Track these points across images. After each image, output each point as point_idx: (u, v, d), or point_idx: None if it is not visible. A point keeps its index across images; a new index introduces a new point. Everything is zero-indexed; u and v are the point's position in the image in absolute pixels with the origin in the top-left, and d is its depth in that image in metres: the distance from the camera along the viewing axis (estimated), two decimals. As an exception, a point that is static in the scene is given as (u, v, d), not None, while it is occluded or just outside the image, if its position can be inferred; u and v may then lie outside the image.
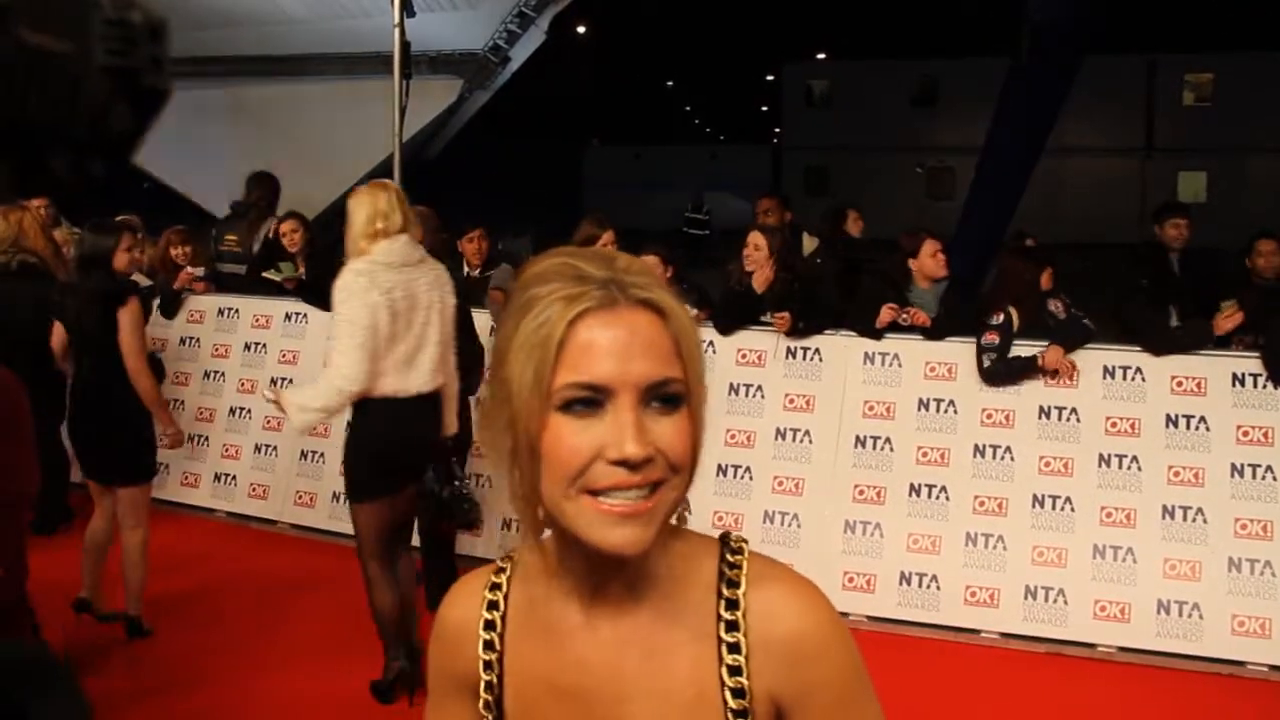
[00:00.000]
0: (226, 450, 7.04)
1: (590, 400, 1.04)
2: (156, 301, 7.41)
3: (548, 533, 1.14)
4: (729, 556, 1.17)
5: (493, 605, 1.22)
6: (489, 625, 1.21)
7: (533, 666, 1.18)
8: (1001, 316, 5.51)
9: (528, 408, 1.05)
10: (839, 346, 5.87)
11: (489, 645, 1.20)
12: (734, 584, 1.15)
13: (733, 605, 1.14)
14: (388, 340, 4.28)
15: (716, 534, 1.21)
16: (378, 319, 4.23)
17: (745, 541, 1.20)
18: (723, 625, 1.13)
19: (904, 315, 5.75)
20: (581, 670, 1.15)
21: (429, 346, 4.43)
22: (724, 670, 1.12)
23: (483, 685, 1.21)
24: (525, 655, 1.19)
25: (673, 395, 1.06)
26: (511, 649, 1.20)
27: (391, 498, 4.49)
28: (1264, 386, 5.25)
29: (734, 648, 1.12)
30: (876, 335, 5.79)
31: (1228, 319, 5.45)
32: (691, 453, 1.08)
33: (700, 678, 1.13)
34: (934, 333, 5.72)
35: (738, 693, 1.12)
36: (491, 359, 1.12)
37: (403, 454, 4.47)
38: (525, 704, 1.19)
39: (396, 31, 7.63)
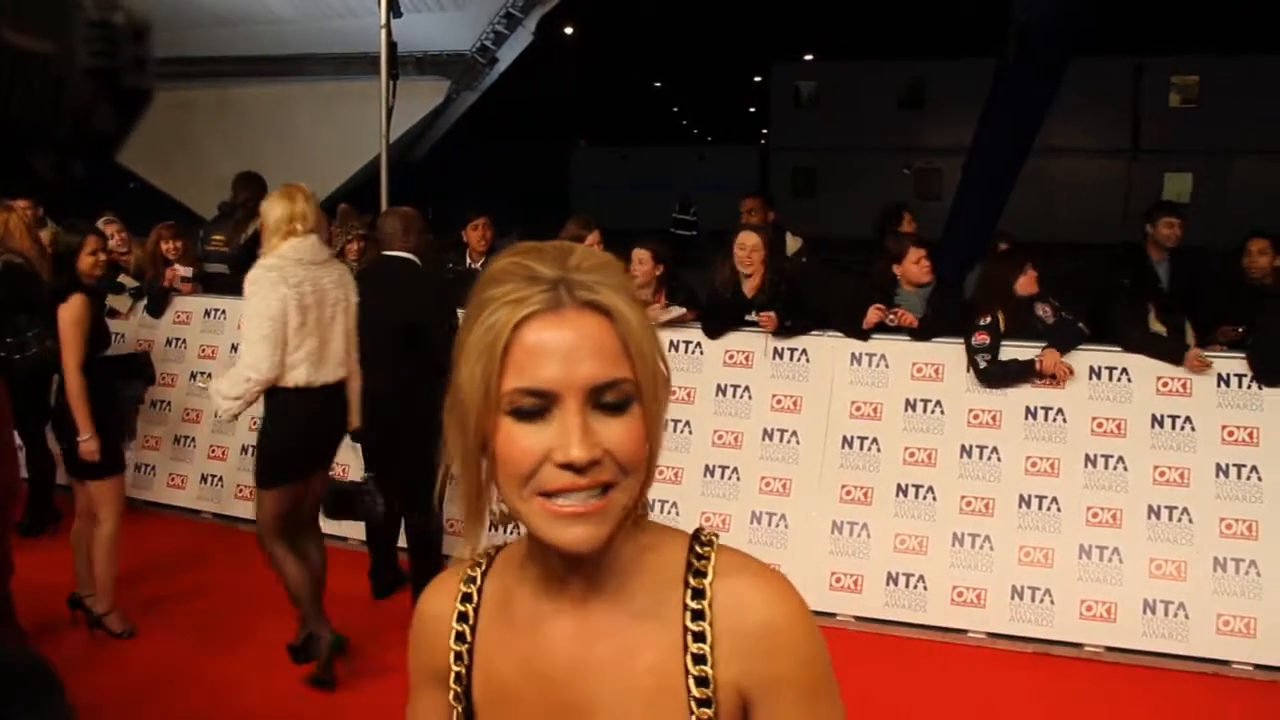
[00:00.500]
0: (213, 451, 7.02)
1: (536, 405, 1.05)
2: (143, 301, 7.40)
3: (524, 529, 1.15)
4: (697, 549, 1.18)
5: (466, 598, 1.23)
6: (461, 617, 1.22)
7: (502, 656, 1.19)
8: (989, 318, 5.53)
9: (478, 411, 1.06)
10: (826, 347, 5.88)
11: (460, 636, 1.22)
12: (700, 574, 1.15)
13: (699, 594, 1.14)
14: (296, 333, 4.48)
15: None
16: (286, 311, 4.42)
17: (716, 536, 1.20)
18: (688, 614, 1.14)
19: (891, 316, 5.77)
20: (548, 660, 1.16)
21: (335, 340, 4.67)
22: (688, 659, 1.13)
23: (452, 676, 1.22)
24: (495, 646, 1.20)
25: (621, 397, 1.06)
26: (482, 640, 1.21)
27: (298, 484, 4.69)
28: (1249, 387, 5.27)
29: (699, 636, 1.13)
30: (864, 336, 5.80)
31: (1200, 362, 5.39)
32: (644, 453, 1.08)
33: (664, 666, 1.13)
34: (921, 333, 5.73)
35: (701, 681, 1.12)
36: (454, 362, 1.13)
37: (312, 442, 4.71)
38: (493, 693, 1.20)
39: (383, 32, 7.62)
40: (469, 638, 1.22)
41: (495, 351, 1.05)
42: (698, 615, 1.13)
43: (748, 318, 5.93)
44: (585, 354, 1.04)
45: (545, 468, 1.05)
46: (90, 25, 1.06)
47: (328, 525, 6.43)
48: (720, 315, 6.01)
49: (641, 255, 6.24)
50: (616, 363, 1.05)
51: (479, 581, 1.24)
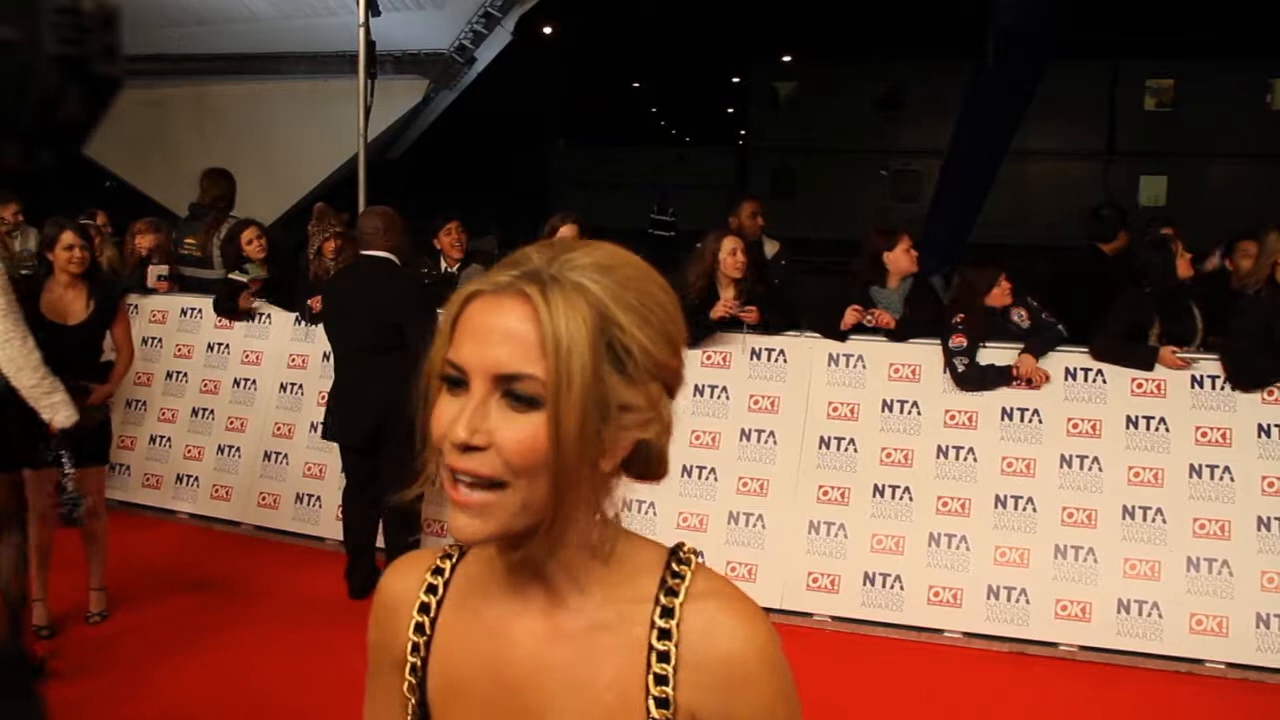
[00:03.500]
0: (189, 451, 6.97)
1: (456, 379, 1.05)
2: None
3: None
4: (674, 566, 1.15)
5: (431, 589, 1.21)
6: (423, 607, 1.20)
7: (462, 651, 1.17)
8: (966, 320, 5.55)
9: (429, 377, 1.08)
10: (803, 348, 5.89)
11: (419, 627, 1.19)
12: (673, 593, 1.13)
13: (668, 614, 1.11)
14: None
15: (677, 536, 1.20)
16: None
17: (696, 554, 1.18)
18: (654, 633, 1.11)
19: (869, 316, 5.78)
20: (509, 661, 1.14)
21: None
22: (650, 678, 1.10)
23: (408, 666, 1.20)
24: (455, 639, 1.18)
25: (527, 394, 1.02)
26: (442, 632, 1.19)
27: None
28: (1222, 388, 5.31)
29: (663, 657, 1.10)
30: (841, 337, 5.81)
31: (1175, 360, 5.41)
32: (539, 458, 1.02)
33: (625, 683, 1.11)
34: (898, 334, 5.75)
35: (661, 702, 1.10)
36: None
37: None
38: (449, 688, 1.18)
39: (361, 31, 7.59)
40: (428, 630, 1.19)
41: (447, 321, 1.07)
42: (664, 635, 1.11)
43: (733, 313, 5.88)
44: (498, 339, 1.02)
45: (446, 442, 1.04)
46: (58, 12, 1.05)
47: (304, 525, 6.47)
48: (696, 324, 5.92)
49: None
50: (530, 357, 1.02)
51: (447, 574, 1.22)
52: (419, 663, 1.19)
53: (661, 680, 1.10)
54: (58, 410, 4.50)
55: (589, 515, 1.11)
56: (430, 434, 1.07)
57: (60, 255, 5.05)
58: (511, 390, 1.02)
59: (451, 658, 1.18)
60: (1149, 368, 5.40)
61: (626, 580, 1.15)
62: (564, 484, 1.04)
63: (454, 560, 1.23)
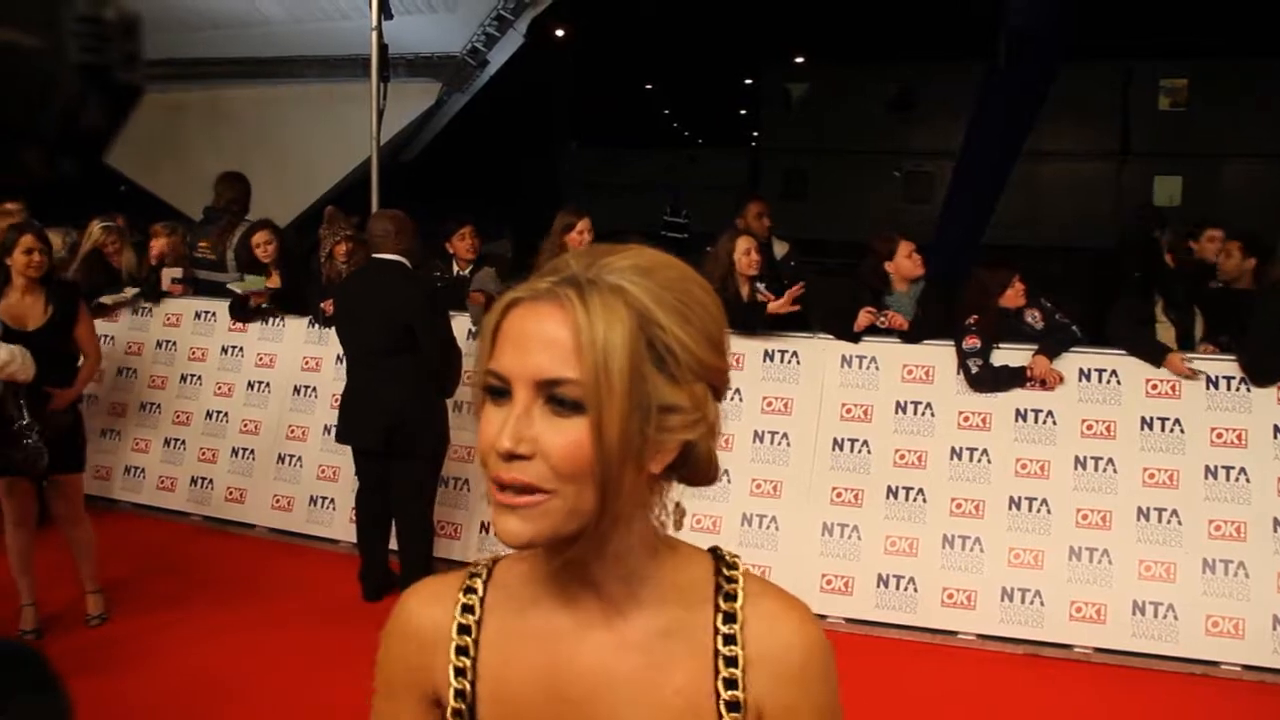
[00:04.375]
0: (203, 454, 6.99)
1: (499, 389, 1.04)
2: (129, 305, 7.38)
3: None
4: (725, 570, 1.17)
5: (467, 609, 1.18)
6: (463, 629, 1.17)
7: (515, 674, 1.15)
8: (980, 321, 5.54)
9: (475, 390, 1.08)
10: (816, 350, 5.89)
11: (462, 651, 1.17)
12: (731, 597, 1.14)
13: (730, 618, 1.13)
14: None
15: (689, 538, 1.20)
16: None
17: (738, 557, 1.19)
18: (719, 638, 1.13)
19: (882, 318, 5.77)
20: (569, 677, 1.13)
21: None
22: (719, 682, 1.12)
23: (452, 694, 1.16)
24: (506, 662, 1.16)
25: (566, 398, 1.02)
26: (489, 655, 1.16)
27: None
28: (1238, 389, 5.29)
29: (731, 661, 1.12)
30: (854, 339, 5.81)
31: (1182, 366, 5.41)
32: (585, 464, 1.02)
33: (694, 687, 1.12)
34: (911, 336, 5.74)
35: (732, 706, 1.11)
36: None
37: None
38: (505, 713, 1.16)
39: (374, 34, 7.61)
40: (472, 652, 1.17)
41: (487, 331, 1.06)
42: (729, 639, 1.13)
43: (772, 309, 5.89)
44: (538, 346, 1.02)
45: (492, 452, 1.04)
46: (80, 20, 1.06)
47: (318, 527, 6.49)
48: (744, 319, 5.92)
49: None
50: (568, 361, 1.01)
51: (480, 592, 1.19)
52: (467, 688, 1.16)
53: (731, 684, 1.12)
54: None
55: (641, 519, 1.12)
56: (478, 445, 1.07)
57: (19, 259, 5.00)
58: (554, 396, 1.02)
59: (506, 682, 1.16)
60: (1155, 363, 5.39)
61: (679, 585, 1.15)
62: (610, 488, 1.03)
63: (484, 580, 1.21)
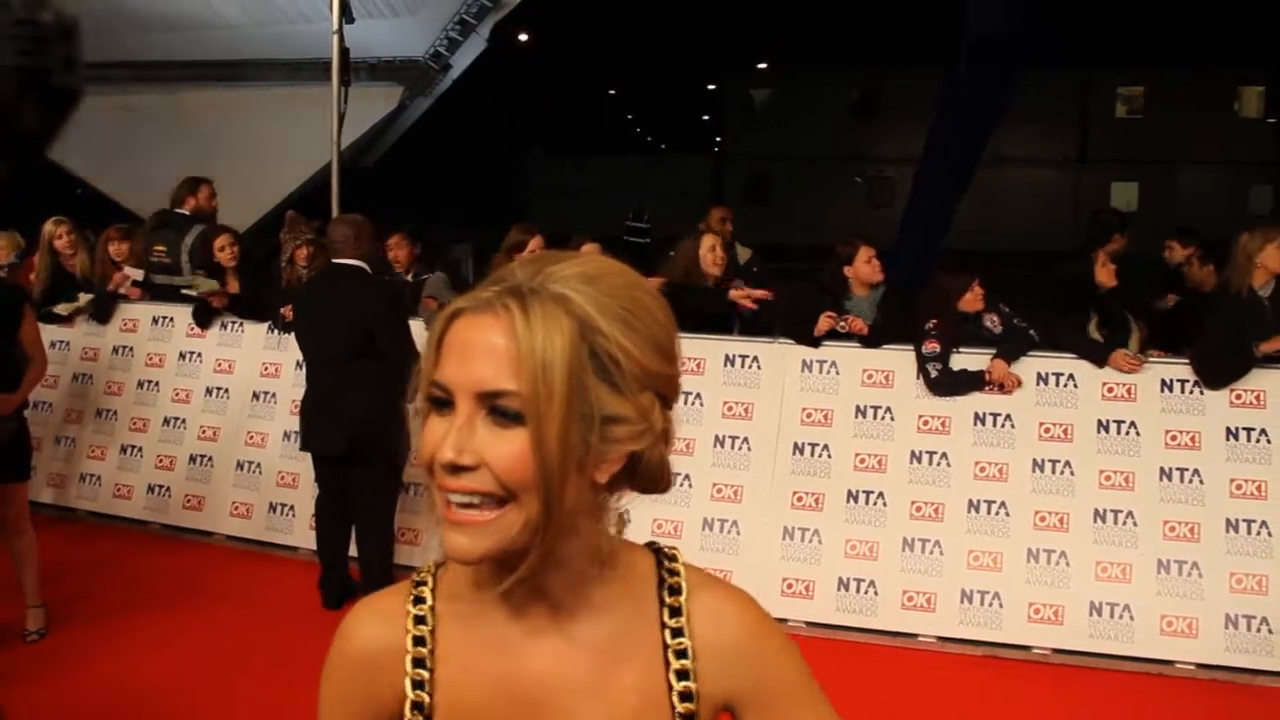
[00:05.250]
0: (161, 461, 6.92)
1: (442, 400, 1.04)
2: (86, 309, 7.29)
3: None
4: (666, 564, 1.18)
5: (420, 620, 1.17)
6: (418, 641, 1.16)
7: (472, 683, 1.15)
8: (939, 326, 5.58)
9: (421, 400, 1.07)
10: (777, 354, 5.91)
11: (419, 662, 1.15)
12: (675, 591, 1.16)
13: (675, 612, 1.15)
14: None
15: (646, 541, 1.21)
16: None
17: (676, 550, 1.20)
18: (667, 632, 1.14)
19: (842, 323, 5.80)
20: (529, 679, 1.13)
21: None
22: (671, 675, 1.13)
23: (409, 706, 1.15)
24: (464, 670, 1.15)
25: (508, 410, 1.01)
26: (445, 666, 1.15)
27: None
28: (1190, 392, 5.36)
29: (681, 653, 1.13)
30: (814, 343, 5.83)
31: (1127, 362, 5.48)
32: (529, 474, 1.01)
33: (648, 684, 1.13)
34: (871, 340, 5.77)
35: (686, 696, 1.13)
36: None
37: None
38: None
39: (335, 38, 7.58)
40: (429, 664, 1.15)
41: (431, 341, 1.06)
42: (677, 633, 1.14)
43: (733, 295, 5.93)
44: (478, 356, 1.01)
45: (436, 462, 1.04)
46: (16, 23, 1.05)
47: (277, 535, 6.44)
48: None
49: (591, 249, 6.26)
50: (508, 372, 1.00)
51: (430, 600, 1.18)
52: (426, 700, 1.15)
53: (683, 675, 1.13)
54: None
55: (588, 528, 1.10)
56: (420, 455, 1.06)
57: None
58: (496, 407, 1.01)
59: (463, 692, 1.15)
60: (1098, 364, 5.46)
61: (626, 585, 1.16)
62: (553, 498, 1.02)
63: (430, 588, 1.19)
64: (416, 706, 1.15)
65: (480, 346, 1.02)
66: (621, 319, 1.05)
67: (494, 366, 1.01)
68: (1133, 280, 6.52)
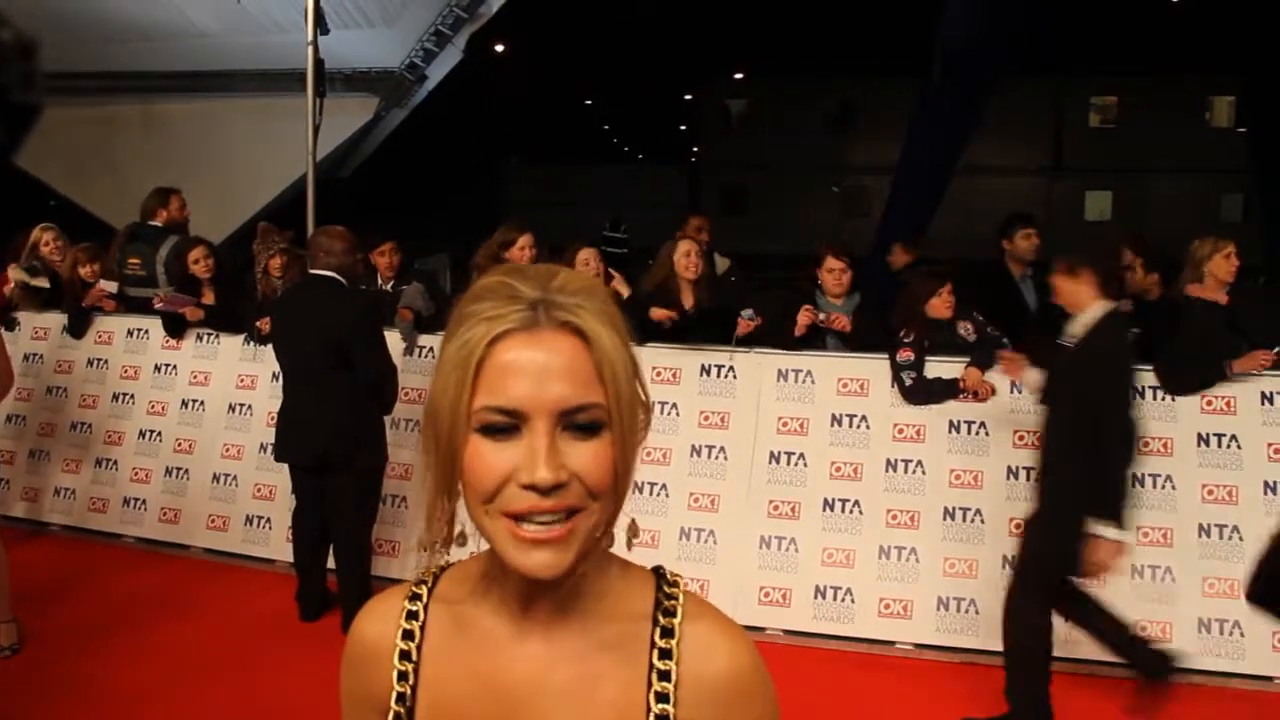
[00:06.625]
0: (136, 474, 6.88)
1: (506, 424, 1.03)
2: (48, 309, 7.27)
3: (473, 549, 1.14)
4: (665, 588, 1.18)
5: (411, 615, 1.20)
6: (406, 635, 1.18)
7: (454, 679, 1.16)
8: (913, 334, 5.61)
9: (450, 426, 1.05)
10: (753, 364, 5.93)
11: (405, 655, 1.18)
12: (670, 613, 1.16)
13: (668, 634, 1.14)
14: None
15: (635, 555, 1.21)
16: None
17: (680, 576, 1.21)
18: (655, 652, 1.14)
19: (822, 317, 5.81)
20: (507, 683, 1.14)
21: None
22: (651, 696, 1.12)
23: (393, 697, 1.18)
24: (446, 668, 1.17)
25: (591, 421, 1.04)
26: (430, 662, 1.18)
27: None
28: (1164, 399, 5.41)
29: (664, 675, 1.13)
30: (795, 344, 5.84)
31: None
32: (612, 478, 1.06)
33: (626, 700, 1.13)
34: (853, 338, 5.79)
35: (661, 719, 1.13)
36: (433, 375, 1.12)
37: None
38: (442, 718, 1.17)
39: (310, 49, 7.56)
40: (414, 658, 1.18)
41: (469, 367, 1.04)
42: (665, 654, 1.13)
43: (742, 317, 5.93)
44: (557, 375, 1.03)
45: (509, 487, 1.03)
46: None
47: (254, 547, 6.41)
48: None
49: (587, 256, 6.27)
50: (589, 386, 1.04)
51: (424, 600, 1.21)
52: (408, 692, 1.18)
53: (663, 698, 1.12)
54: None
55: (607, 531, 1.13)
56: (473, 485, 1.06)
57: None
58: (575, 421, 1.04)
59: (445, 687, 1.17)
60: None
61: (620, 600, 1.17)
62: (622, 497, 1.09)
63: (428, 588, 1.22)
64: (399, 698, 1.17)
65: (556, 365, 1.03)
66: (623, 327, 1.10)
67: (573, 382, 1.03)
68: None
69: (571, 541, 1.05)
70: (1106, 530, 4.23)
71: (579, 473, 1.03)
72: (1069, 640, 4.82)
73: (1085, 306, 4.43)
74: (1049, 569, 4.45)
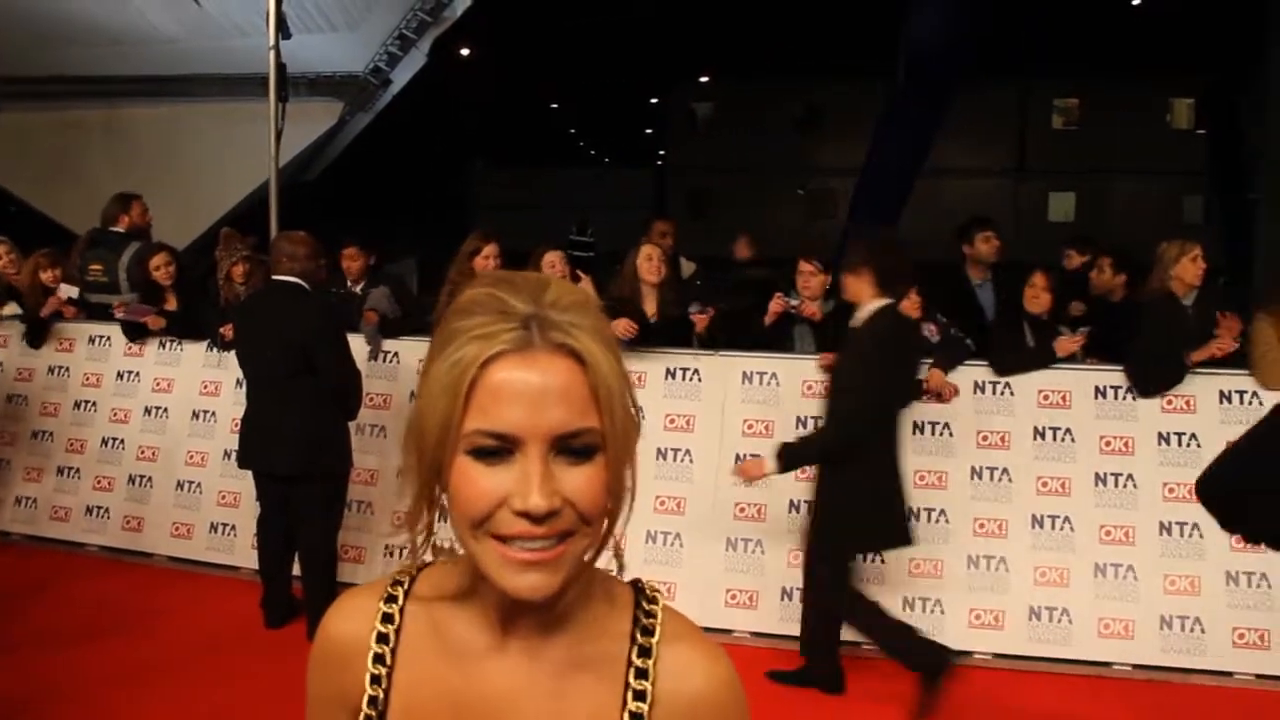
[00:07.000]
0: (99, 482, 6.82)
1: (497, 447, 1.01)
2: (22, 326, 7.18)
3: (459, 552, 1.11)
4: (645, 605, 1.17)
5: (387, 618, 1.17)
6: (381, 638, 1.16)
7: (426, 687, 1.15)
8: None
9: (436, 444, 1.03)
10: (718, 366, 5.94)
11: (379, 658, 1.15)
12: (648, 632, 1.14)
13: (645, 653, 1.13)
14: None
15: (601, 561, 1.20)
16: None
17: (659, 592, 1.20)
18: (632, 671, 1.12)
19: (794, 304, 5.83)
20: (482, 695, 1.13)
21: None
22: (625, 715, 1.11)
23: (366, 700, 1.15)
24: (419, 675, 1.15)
25: (586, 446, 1.02)
26: (404, 667, 1.15)
27: None
28: (1124, 399, 5.47)
29: (640, 695, 1.11)
30: (766, 333, 5.87)
31: (1072, 342, 5.61)
32: (605, 502, 1.05)
33: (600, 716, 1.12)
34: (824, 329, 5.81)
35: None
36: (417, 386, 1.09)
37: None
38: None
39: (272, 53, 7.53)
40: (389, 660, 1.16)
41: (460, 389, 1.00)
42: (641, 674, 1.12)
43: (692, 313, 5.99)
44: (552, 400, 1.00)
45: (501, 512, 1.01)
46: None
47: (218, 554, 6.37)
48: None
49: (553, 259, 6.27)
50: (584, 411, 1.01)
51: (400, 601, 1.18)
52: (380, 695, 1.16)
53: (636, 717, 1.11)
54: None
55: (598, 553, 1.12)
56: (462, 509, 1.03)
57: None
58: (570, 446, 1.01)
59: (416, 694, 1.15)
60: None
61: (599, 616, 1.15)
62: (616, 519, 1.08)
63: (405, 589, 1.20)
64: (372, 701, 1.15)
65: (552, 390, 1.01)
66: (614, 347, 1.07)
67: (569, 407, 1.01)
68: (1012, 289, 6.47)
69: (562, 564, 1.03)
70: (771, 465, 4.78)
71: (572, 498, 1.01)
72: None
73: (864, 301, 4.75)
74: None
